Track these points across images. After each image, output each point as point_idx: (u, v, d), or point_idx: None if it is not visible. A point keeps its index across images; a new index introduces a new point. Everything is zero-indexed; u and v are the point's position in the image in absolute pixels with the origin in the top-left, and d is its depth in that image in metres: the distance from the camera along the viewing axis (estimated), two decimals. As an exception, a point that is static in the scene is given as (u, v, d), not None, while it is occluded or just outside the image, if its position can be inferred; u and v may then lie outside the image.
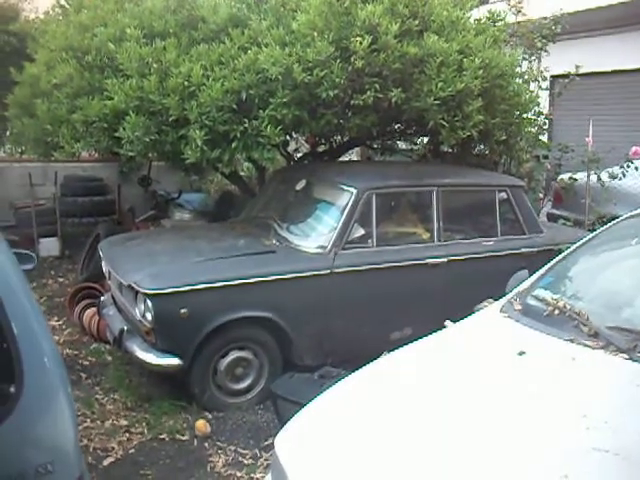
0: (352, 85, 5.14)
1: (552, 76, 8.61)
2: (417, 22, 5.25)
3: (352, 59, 4.98)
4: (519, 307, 3.43)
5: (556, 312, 3.23)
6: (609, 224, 3.97)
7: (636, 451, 2.19)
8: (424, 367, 3.01)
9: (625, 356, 2.76)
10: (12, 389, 2.23)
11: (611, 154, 7.47)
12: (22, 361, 2.30)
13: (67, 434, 2.35)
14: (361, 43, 4.88)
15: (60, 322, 6.44)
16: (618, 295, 3.34)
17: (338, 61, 4.93)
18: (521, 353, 2.90)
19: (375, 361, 3.24)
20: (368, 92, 5.09)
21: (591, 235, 3.93)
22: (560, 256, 3.86)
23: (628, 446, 2.21)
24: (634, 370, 2.66)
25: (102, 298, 5.76)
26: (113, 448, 4.24)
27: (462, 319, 4.53)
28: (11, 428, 2.17)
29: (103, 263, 5.63)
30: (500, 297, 4.70)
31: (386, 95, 5.14)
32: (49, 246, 8.61)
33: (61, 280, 7.90)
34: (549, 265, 3.79)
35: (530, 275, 3.84)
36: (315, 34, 4.98)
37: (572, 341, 2.95)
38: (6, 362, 2.25)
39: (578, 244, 3.86)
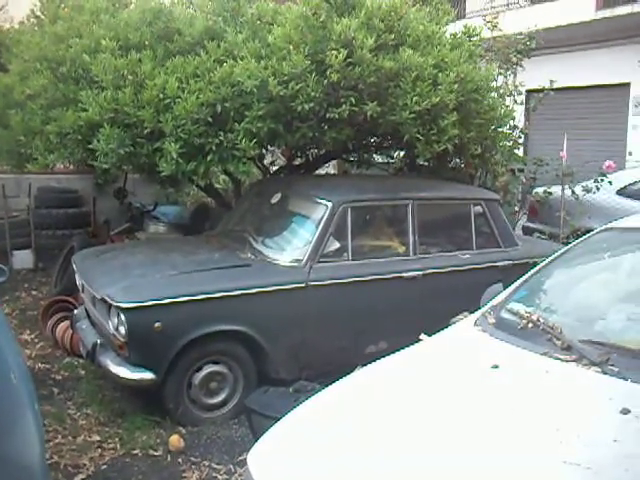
0: (328, 98, 5.15)
1: (527, 90, 8.71)
2: (393, 36, 5.28)
3: (328, 72, 4.99)
4: (493, 320, 3.44)
5: (530, 325, 3.24)
6: (582, 238, 3.99)
7: (607, 465, 2.19)
8: (397, 381, 3.00)
9: (597, 369, 2.77)
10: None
11: (584, 168, 7.56)
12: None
13: (33, 453, 2.31)
14: (337, 57, 4.89)
15: (32, 336, 6.36)
16: (591, 308, 3.37)
17: (314, 74, 4.94)
18: (494, 367, 2.91)
19: (349, 375, 3.22)
20: (344, 105, 5.10)
21: (565, 249, 3.96)
22: (534, 269, 3.88)
23: (599, 460, 2.21)
24: (606, 383, 2.68)
25: (75, 311, 5.70)
26: (85, 465, 4.16)
27: (437, 332, 4.58)
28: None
29: (77, 276, 5.57)
30: (475, 311, 4.75)
31: (361, 109, 5.15)
32: (23, 259, 8.51)
33: (34, 293, 7.80)
34: (523, 278, 3.81)
35: (505, 288, 3.87)
36: (291, 47, 4.98)
37: (545, 354, 2.96)
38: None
39: (552, 257, 3.88)
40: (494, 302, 3.65)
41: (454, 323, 4.91)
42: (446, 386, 2.85)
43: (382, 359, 3.30)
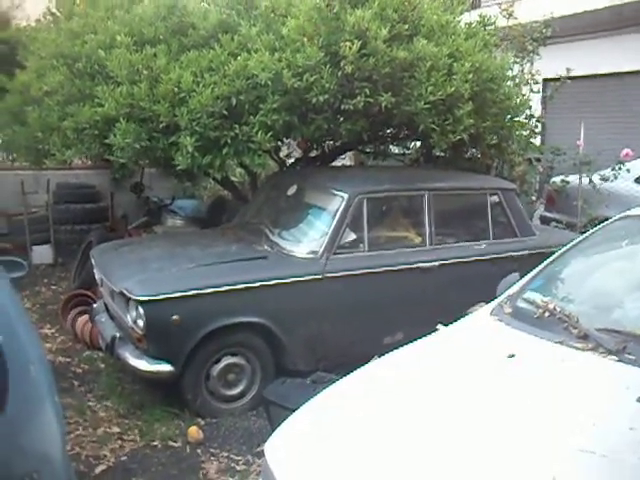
0: (342, 90, 5.14)
1: (544, 79, 8.64)
2: (407, 26, 5.26)
3: (342, 64, 4.98)
4: (509, 310, 3.43)
5: (546, 314, 3.22)
6: (599, 226, 3.97)
7: (623, 453, 2.19)
8: (414, 371, 3.00)
9: (614, 358, 2.75)
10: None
11: (601, 157, 7.50)
12: (6, 370, 2.29)
13: (54, 443, 2.34)
14: (351, 48, 4.88)
15: (53, 330, 6.42)
16: (607, 297, 3.35)
17: (328, 66, 4.94)
18: (511, 356, 2.90)
19: (365, 365, 3.23)
20: (358, 97, 5.09)
21: (581, 237, 3.93)
22: (550, 258, 3.86)
23: (615, 448, 2.21)
24: (622, 372, 2.67)
25: (94, 305, 5.75)
26: (105, 456, 4.22)
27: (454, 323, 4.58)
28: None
29: (95, 270, 5.62)
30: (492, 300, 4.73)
31: (376, 100, 5.14)
32: (42, 254, 8.60)
33: (54, 288, 7.88)
34: (539, 268, 3.79)
35: (522, 278, 3.85)
36: (305, 39, 4.98)
37: (561, 343, 2.94)
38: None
39: (568, 246, 3.86)
40: (510, 291, 3.63)
41: (470, 313, 4.94)
42: (463, 376, 2.85)
43: (398, 349, 3.31)
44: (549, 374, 2.75)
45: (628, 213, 3.90)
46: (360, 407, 2.78)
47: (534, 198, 8.30)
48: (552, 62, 8.00)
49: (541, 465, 2.18)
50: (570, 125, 9.45)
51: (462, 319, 3.68)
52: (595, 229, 3.96)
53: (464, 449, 2.33)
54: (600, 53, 11.25)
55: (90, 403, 4.95)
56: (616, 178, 7.20)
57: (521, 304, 3.45)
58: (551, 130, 11.08)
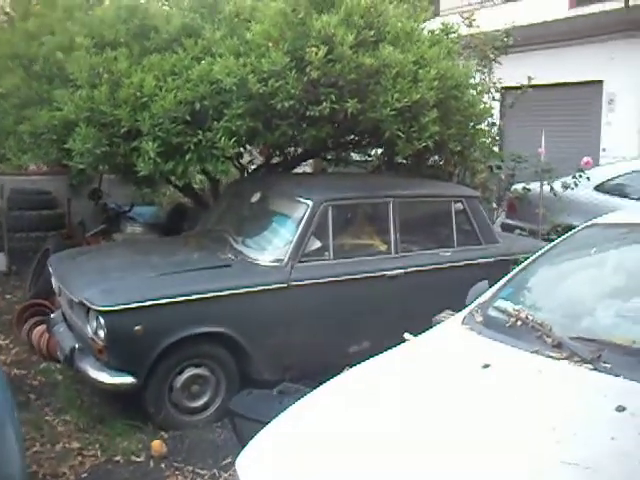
0: (307, 96, 5.08)
1: (503, 87, 8.70)
2: (372, 33, 5.22)
3: (307, 69, 4.93)
4: (480, 319, 3.40)
5: (518, 323, 3.20)
6: (567, 234, 3.97)
7: (605, 463, 2.16)
8: (388, 382, 2.94)
9: (590, 366, 2.73)
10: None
11: (562, 165, 7.58)
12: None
13: (14, 464, 2.21)
14: (317, 53, 4.82)
15: (7, 341, 6.20)
16: (579, 305, 3.34)
17: (293, 72, 4.88)
18: (485, 366, 2.86)
19: (337, 377, 3.16)
20: (324, 103, 5.03)
21: (550, 245, 3.93)
22: (520, 267, 3.85)
23: (599, 459, 2.17)
24: (599, 380, 2.64)
25: (52, 315, 5.57)
26: (64, 473, 4.06)
27: (421, 331, 4.53)
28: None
29: (53, 279, 5.46)
30: (459, 308, 4.71)
31: (342, 106, 5.09)
32: (-4, 261, 8.34)
33: (8, 297, 7.63)
34: (509, 276, 3.78)
35: (490, 286, 3.83)
36: (270, 44, 4.92)
37: (536, 352, 2.92)
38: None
39: (537, 254, 3.85)
40: (481, 300, 3.60)
41: (437, 321, 4.90)
42: (438, 387, 2.80)
43: (370, 360, 3.24)
44: (526, 384, 2.71)
45: (595, 221, 3.92)
46: (334, 420, 2.70)
47: (495, 205, 8.35)
48: (510, 71, 8.07)
49: (523, 478, 2.14)
50: (527, 134, 9.57)
51: (433, 328, 3.65)
52: (563, 237, 3.96)
53: (443, 464, 2.28)
54: (558, 63, 11.42)
55: (48, 417, 4.77)
56: (577, 186, 7.28)
57: (492, 313, 3.42)
58: (509, 138, 11.21)
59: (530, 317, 3.17)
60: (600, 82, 12.05)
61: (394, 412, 2.64)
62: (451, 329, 3.44)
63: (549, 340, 2.98)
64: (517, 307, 3.36)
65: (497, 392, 2.68)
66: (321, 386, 3.07)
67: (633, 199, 7.72)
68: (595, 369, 2.71)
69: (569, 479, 2.11)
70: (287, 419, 2.83)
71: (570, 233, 3.97)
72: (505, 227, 8.23)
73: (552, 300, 3.50)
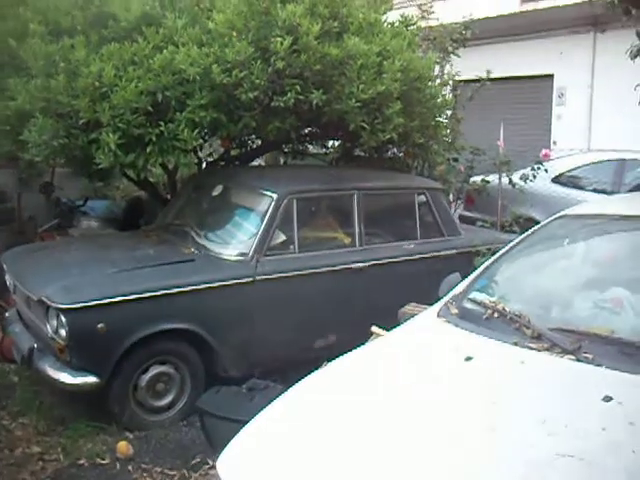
0: (272, 87, 4.99)
1: (459, 80, 8.73)
2: (336, 23, 5.16)
3: (272, 60, 4.84)
4: (456, 311, 3.37)
5: (495, 315, 3.18)
6: (538, 225, 3.97)
7: (600, 454, 2.14)
8: (369, 378, 2.88)
9: (572, 357, 2.73)
10: None
11: (515, 157, 7.65)
12: None
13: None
14: (282, 44, 4.74)
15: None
16: (554, 296, 3.34)
17: (258, 62, 4.78)
18: (468, 358, 2.83)
19: (315, 373, 3.09)
20: (289, 94, 4.95)
21: (522, 236, 3.93)
22: (492, 258, 3.84)
23: (591, 449, 2.15)
24: (583, 371, 2.64)
25: (6, 314, 5.37)
26: (25, 480, 3.91)
27: (387, 323, 4.51)
28: None
29: (7, 276, 5.25)
30: (423, 300, 4.70)
31: (307, 97, 5.02)
32: (-59, 258, 7.99)
33: (-45, 295, 7.34)
34: (482, 267, 3.76)
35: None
36: (234, 34, 4.81)
37: (516, 344, 2.91)
38: None
39: (509, 246, 3.85)
40: (455, 292, 3.58)
41: (403, 314, 4.89)
42: (422, 381, 2.75)
43: (348, 355, 3.19)
44: (511, 376, 2.70)
45: (566, 212, 3.94)
46: (315, 418, 2.63)
47: (452, 198, 8.38)
48: (462, 64, 8.09)
49: (517, 473, 2.11)
50: (480, 127, 9.63)
51: (408, 321, 3.60)
52: (534, 229, 3.96)
53: (431, 460, 2.23)
54: (510, 56, 11.55)
55: (4, 421, 4.59)
56: (535, 178, 7.35)
57: (468, 305, 3.40)
58: (464, 130, 11.29)
59: (507, 309, 3.16)
60: (551, 76, 12.25)
61: (380, 409, 2.58)
62: (427, 322, 3.40)
63: (528, 332, 2.97)
64: (492, 299, 3.35)
65: (483, 384, 2.65)
66: (299, 383, 2.99)
67: (588, 191, 7.86)
68: (578, 360, 2.71)
69: (567, 471, 2.08)
70: (268, 418, 2.74)
71: (541, 224, 3.98)
72: (463, 219, 8.27)
73: (527, 291, 3.50)
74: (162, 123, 4.90)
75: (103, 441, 4.33)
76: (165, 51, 4.84)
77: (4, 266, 5.31)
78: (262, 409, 2.86)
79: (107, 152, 4.83)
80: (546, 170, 7.42)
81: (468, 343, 3.00)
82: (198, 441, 4.36)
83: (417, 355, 3.03)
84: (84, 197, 8.62)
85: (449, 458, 2.21)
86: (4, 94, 5.06)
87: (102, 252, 5.18)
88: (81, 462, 4.12)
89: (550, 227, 3.87)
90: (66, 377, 4.34)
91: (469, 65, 8.11)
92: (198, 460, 4.17)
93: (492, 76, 8.23)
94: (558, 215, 3.92)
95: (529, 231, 3.97)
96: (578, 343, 2.79)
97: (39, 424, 4.54)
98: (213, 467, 3.90)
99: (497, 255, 3.84)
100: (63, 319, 4.21)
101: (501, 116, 9.48)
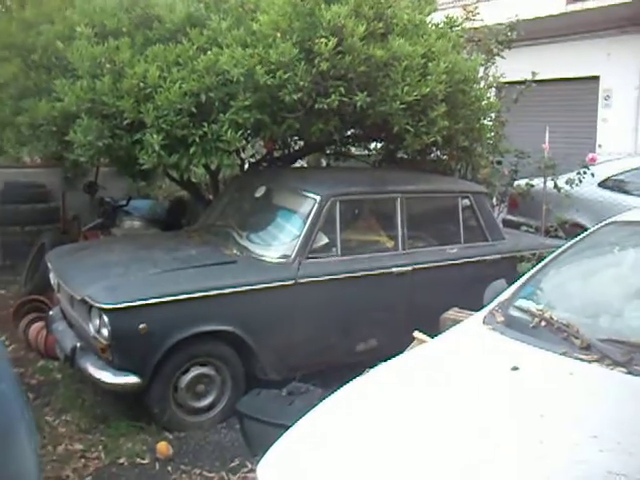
0: (316, 88, 4.95)
1: (504, 82, 8.60)
2: (381, 24, 5.10)
3: (316, 61, 4.79)
4: (502, 319, 3.30)
5: (543, 324, 3.10)
6: (586, 232, 3.87)
7: (653, 475, 2.06)
8: (412, 387, 2.83)
9: (623, 370, 2.64)
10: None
11: (564, 160, 7.50)
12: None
13: (29, 474, 2.08)
14: (326, 45, 4.69)
15: (3, 337, 6.00)
16: (605, 305, 3.25)
17: (302, 63, 4.74)
18: (514, 368, 2.76)
19: (356, 380, 3.05)
20: (332, 96, 4.90)
21: (570, 243, 3.83)
22: (539, 265, 3.75)
23: (644, 470, 2.08)
24: (635, 384, 2.55)
25: (51, 312, 5.42)
26: (68, 476, 3.93)
27: (428, 328, 4.45)
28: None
29: (52, 275, 5.31)
30: (466, 305, 4.63)
31: (351, 99, 4.96)
32: (-12, 256, 8.17)
33: (2, 292, 7.47)
34: (529, 274, 3.68)
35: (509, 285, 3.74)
36: (278, 35, 4.78)
37: (565, 354, 2.83)
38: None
39: (556, 253, 3.75)
40: (500, 299, 3.50)
41: (445, 319, 4.82)
42: (468, 390, 2.69)
43: (390, 362, 3.14)
44: (559, 388, 2.62)
45: (616, 219, 3.83)
46: (358, 426, 2.59)
47: (496, 201, 8.25)
48: (506, 66, 7.96)
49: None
50: (524, 129, 9.48)
51: (452, 327, 3.54)
52: (582, 235, 3.86)
53: (477, 473, 2.17)
54: (554, 58, 11.36)
55: (48, 418, 4.64)
56: (581, 182, 7.19)
57: (514, 313, 3.33)
58: (509, 134, 11.14)
59: (555, 318, 3.08)
60: (597, 78, 12.00)
61: (424, 419, 2.53)
62: (472, 329, 3.34)
63: (577, 342, 2.89)
64: (539, 307, 3.26)
65: (530, 395, 2.58)
66: (341, 389, 2.95)
67: (636, 196, 7.65)
68: (629, 373, 2.62)
69: (619, 491, 2.01)
70: (310, 424, 2.71)
71: (590, 231, 3.88)
72: (507, 223, 8.14)
73: (575, 300, 3.41)
74: (205, 124, 4.90)
75: (143, 441, 4.35)
76: (209, 52, 4.83)
77: (49, 265, 5.37)
78: (302, 413, 2.84)
79: (151, 153, 4.84)
80: (593, 174, 7.25)
81: (514, 352, 2.93)
82: (237, 444, 4.35)
83: (462, 364, 2.97)
84: (127, 197, 8.70)
85: (495, 471, 2.14)
86: (51, 95, 5.11)
87: (144, 252, 5.19)
88: (121, 461, 4.14)
89: (599, 234, 3.77)
90: (108, 376, 4.36)
91: (513, 67, 7.98)
92: (237, 463, 4.16)
93: (537, 78, 8.08)
94: (608, 221, 3.81)
95: (578, 237, 3.87)
96: (630, 355, 2.71)
97: (81, 422, 4.59)
98: (252, 470, 3.94)
99: (544, 261, 3.75)
100: (105, 319, 4.23)
101: (545, 119, 9.34)
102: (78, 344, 4.64)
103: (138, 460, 4.16)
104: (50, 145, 5.28)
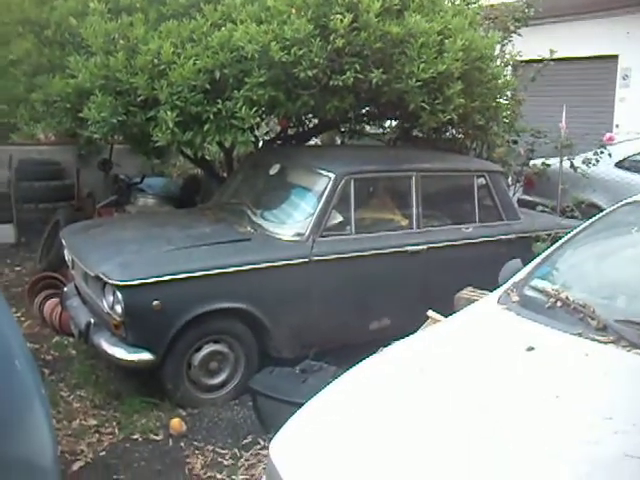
0: (331, 65, 4.90)
1: (521, 61, 8.50)
2: (397, 0, 5.04)
3: (332, 38, 4.74)
4: (517, 298, 3.26)
5: (558, 304, 3.07)
6: (604, 212, 3.82)
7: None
8: (426, 366, 2.81)
9: (639, 351, 2.61)
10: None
11: (581, 140, 7.41)
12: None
13: (46, 449, 2.09)
14: (342, 21, 4.64)
15: (19, 314, 6.04)
16: (622, 286, 3.20)
17: (317, 40, 4.69)
18: (530, 349, 2.74)
19: (370, 358, 3.04)
20: (348, 73, 4.85)
21: (587, 223, 3.78)
22: (556, 245, 3.71)
23: (662, 452, 2.05)
24: (653, 367, 2.53)
25: (65, 289, 5.45)
26: (82, 451, 3.96)
27: (442, 307, 4.43)
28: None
29: (66, 252, 5.33)
30: (480, 285, 4.60)
31: (366, 76, 4.91)
32: (4, 233, 8.18)
33: (18, 269, 7.51)
34: (545, 254, 3.64)
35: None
36: (293, 11, 4.73)
37: (580, 335, 2.79)
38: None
39: (573, 232, 3.71)
40: (515, 279, 3.46)
41: (459, 298, 4.80)
42: (482, 369, 2.67)
43: (404, 340, 3.13)
44: (575, 369, 2.59)
45: (632, 199, 3.76)
46: (372, 405, 2.58)
47: (510, 181, 8.18)
48: (522, 45, 7.85)
49: (582, 471, 2.02)
50: (540, 108, 9.37)
51: (467, 307, 3.52)
52: (599, 215, 3.81)
53: (492, 455, 2.16)
54: (578, 36, 11.19)
55: (63, 393, 4.67)
56: (598, 162, 7.11)
57: (529, 292, 3.29)
58: (526, 113, 11.02)
59: (571, 298, 3.04)
60: (615, 57, 11.82)
61: (438, 398, 2.51)
62: (487, 309, 3.31)
63: (593, 322, 2.85)
64: (555, 287, 3.23)
65: (545, 376, 2.56)
66: (355, 368, 2.94)
67: (654, 176, 7.57)
68: (646, 354, 2.59)
69: (635, 473, 1.99)
70: (323, 403, 2.70)
71: (607, 211, 3.83)
72: (522, 203, 8.08)
73: (592, 280, 3.37)
74: (220, 101, 4.87)
75: (156, 417, 4.38)
76: (223, 28, 4.80)
77: (63, 242, 5.38)
78: (315, 391, 2.83)
79: (165, 130, 4.83)
80: (610, 154, 7.16)
81: (530, 332, 2.91)
82: (250, 421, 4.36)
83: (477, 343, 2.95)
84: (141, 174, 8.69)
85: (509, 452, 2.13)
86: (65, 72, 5.09)
87: (158, 229, 5.19)
88: (135, 437, 4.17)
89: (616, 214, 3.71)
90: (121, 353, 4.38)
91: (531, 45, 7.87)
92: (249, 440, 4.17)
93: (554, 56, 7.96)
94: (625, 202, 3.76)
95: (595, 217, 3.82)
96: (647, 336, 2.68)
97: (95, 397, 4.62)
98: (264, 447, 3.96)
99: (561, 241, 3.71)
100: (119, 295, 4.24)
101: (562, 98, 9.23)
102: (92, 320, 4.67)
103: (152, 436, 4.18)
104: (64, 122, 5.27)
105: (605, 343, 2.72)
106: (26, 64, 5.53)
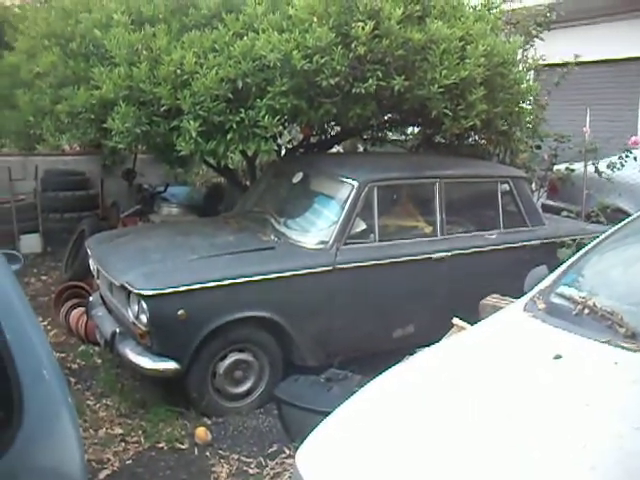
0: (353, 73, 4.90)
1: (544, 65, 8.44)
2: (418, 7, 5.03)
3: (353, 45, 4.75)
4: (543, 306, 3.23)
5: (586, 311, 3.03)
6: (631, 217, 3.78)
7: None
8: (453, 374, 2.79)
9: (669, 360, 2.57)
10: (10, 413, 1.99)
11: (605, 145, 7.34)
12: (19, 379, 2.05)
13: (73, 458, 2.10)
14: (363, 29, 4.64)
15: (45, 323, 6.11)
16: (649, 293, 3.16)
17: (339, 48, 4.69)
18: (557, 357, 2.71)
19: (396, 367, 3.02)
20: (370, 80, 4.85)
21: (613, 228, 3.73)
22: (582, 251, 3.67)
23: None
24: (683, 375, 2.48)
25: (91, 298, 5.49)
26: (109, 459, 4.00)
27: (467, 315, 4.39)
28: (12, 459, 1.92)
29: (91, 261, 5.37)
30: (505, 292, 4.56)
31: (388, 83, 4.91)
32: (30, 243, 8.27)
33: (44, 278, 7.58)
34: (571, 260, 3.60)
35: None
36: (314, 19, 4.74)
37: (608, 343, 2.76)
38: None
39: (600, 238, 3.67)
40: (541, 286, 3.43)
41: (484, 306, 4.76)
42: (510, 378, 2.65)
43: (430, 349, 3.11)
44: (603, 378, 2.55)
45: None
46: (399, 414, 2.57)
47: (535, 186, 8.12)
48: (550, 47, 7.79)
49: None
50: (562, 113, 9.29)
51: (492, 315, 3.49)
52: (626, 221, 3.76)
53: (523, 463, 2.14)
54: (601, 39, 11.09)
55: (89, 402, 4.72)
56: (623, 166, 7.03)
57: (555, 300, 3.25)
58: (549, 117, 10.95)
59: (599, 305, 3.01)
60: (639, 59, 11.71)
61: (465, 407, 2.49)
62: (513, 317, 3.28)
63: (622, 330, 2.81)
64: (582, 294, 3.19)
65: (574, 385, 2.53)
66: (381, 376, 2.93)
67: (680, 181, 7.45)
68: (677, 362, 2.55)
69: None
70: (349, 412, 2.70)
71: (634, 216, 3.78)
72: (546, 208, 8.01)
73: (619, 287, 3.32)
74: (242, 110, 4.88)
75: (182, 426, 4.40)
76: (245, 38, 4.81)
77: (88, 251, 5.43)
78: (340, 400, 2.83)
79: (188, 139, 4.85)
80: (635, 158, 7.07)
81: (557, 340, 2.88)
82: (275, 429, 4.37)
83: (504, 352, 2.92)
84: (165, 183, 8.76)
85: (540, 460, 2.11)
86: (89, 83, 5.13)
87: (182, 238, 5.22)
88: (161, 445, 4.19)
89: (645, 219, 3.67)
90: (147, 362, 4.40)
91: (553, 49, 7.82)
92: (275, 449, 4.17)
93: (577, 60, 7.90)
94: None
95: (621, 222, 3.78)
96: (676, 344, 2.63)
97: (121, 406, 4.65)
98: (290, 456, 3.95)
99: (587, 248, 3.67)
100: (144, 305, 4.27)
101: (586, 101, 9.14)
102: (117, 330, 4.70)
103: (177, 445, 4.20)
104: (89, 133, 5.32)
105: (634, 351, 2.68)
106: (52, 76, 5.58)
